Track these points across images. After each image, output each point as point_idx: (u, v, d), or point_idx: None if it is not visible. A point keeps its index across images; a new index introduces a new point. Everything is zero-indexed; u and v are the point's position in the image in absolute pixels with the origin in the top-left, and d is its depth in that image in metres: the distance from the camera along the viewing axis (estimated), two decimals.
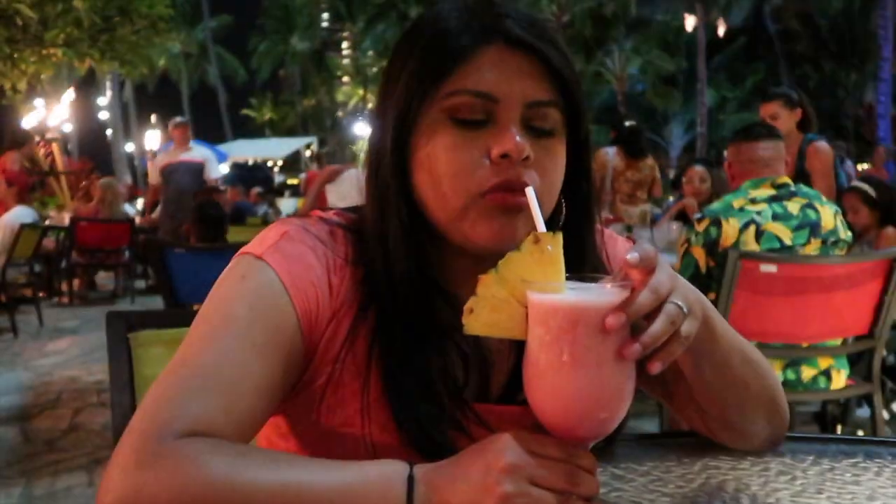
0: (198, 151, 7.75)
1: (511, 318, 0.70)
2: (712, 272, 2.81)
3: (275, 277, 0.81)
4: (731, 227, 2.80)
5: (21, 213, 6.88)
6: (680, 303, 0.69)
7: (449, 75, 0.82)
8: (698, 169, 5.09)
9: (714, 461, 0.90)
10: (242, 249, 0.85)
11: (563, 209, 0.88)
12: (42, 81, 10.84)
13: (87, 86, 24.42)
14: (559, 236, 0.70)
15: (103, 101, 27.04)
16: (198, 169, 7.41)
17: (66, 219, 8.67)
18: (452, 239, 0.85)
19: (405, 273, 0.84)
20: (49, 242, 7.81)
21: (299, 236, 0.86)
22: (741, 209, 2.81)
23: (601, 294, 0.68)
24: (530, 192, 0.77)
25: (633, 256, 0.68)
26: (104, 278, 9.55)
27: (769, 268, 2.76)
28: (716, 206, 2.93)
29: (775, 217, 2.77)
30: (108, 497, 0.67)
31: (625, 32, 23.90)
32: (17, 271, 6.85)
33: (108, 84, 26.31)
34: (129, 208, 10.43)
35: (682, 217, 4.81)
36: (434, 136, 0.83)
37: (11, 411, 4.31)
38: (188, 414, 0.71)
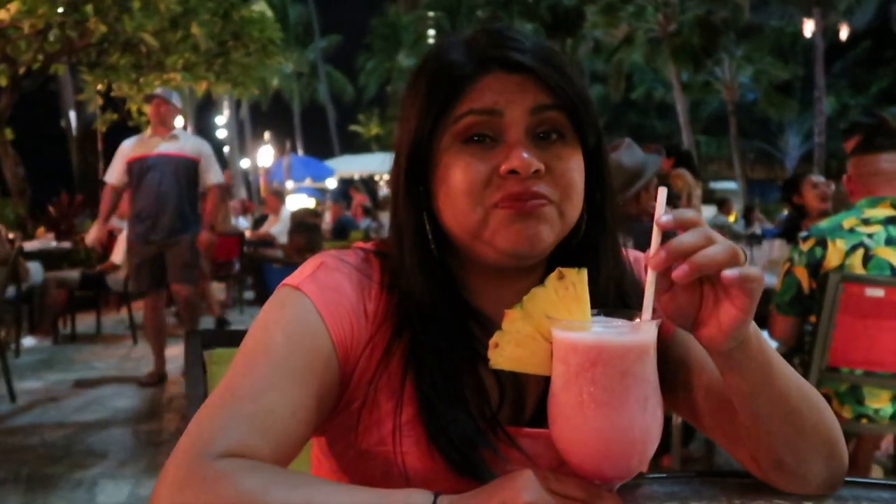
0: (187, 143, 5.38)
1: (535, 354, 0.70)
2: (815, 295, 2.66)
3: (311, 306, 0.85)
4: (837, 249, 2.63)
5: None
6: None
7: (454, 102, 0.86)
8: (815, 178, 4.78)
9: None
10: (284, 281, 0.90)
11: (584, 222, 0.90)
12: None
13: (208, 107, 25.90)
14: (584, 273, 0.70)
15: (221, 119, 28.55)
16: (187, 167, 5.28)
17: None
18: (479, 254, 0.88)
19: (431, 296, 0.87)
20: None
21: (335, 265, 0.90)
22: (851, 230, 2.64)
23: (624, 332, 0.67)
24: (662, 191, 0.74)
25: (666, 218, 0.69)
26: (216, 289, 10.05)
27: (876, 292, 2.58)
28: (824, 224, 2.75)
29: (889, 241, 2.57)
30: None
31: (735, 40, 23.01)
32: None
33: (225, 104, 27.79)
34: (242, 222, 10.95)
35: (791, 233, 4.57)
36: (448, 161, 0.87)
37: (127, 413, 4.61)
38: (228, 437, 0.75)
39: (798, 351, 2.80)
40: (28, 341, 6.73)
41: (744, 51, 23.41)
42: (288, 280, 0.90)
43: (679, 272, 0.67)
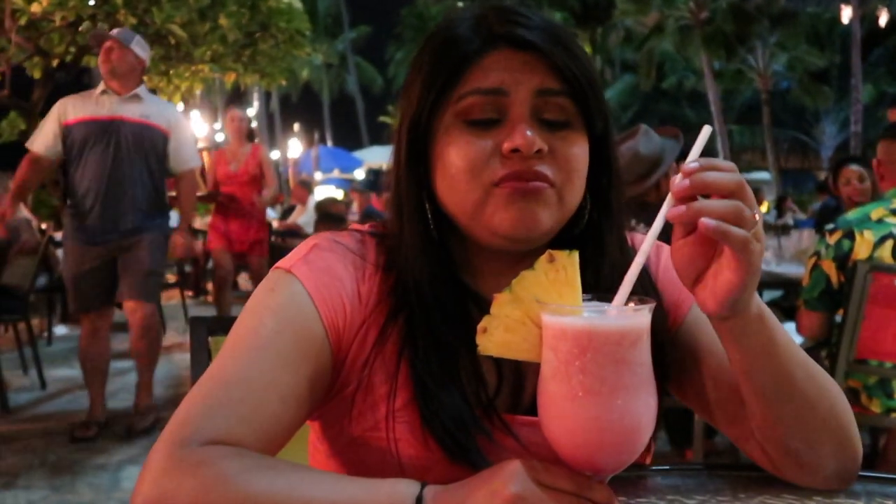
0: (154, 107, 3.89)
1: (525, 340, 0.67)
2: (844, 288, 2.59)
3: (301, 289, 0.84)
4: (864, 241, 2.55)
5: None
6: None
7: (458, 80, 0.84)
8: (855, 168, 4.66)
9: (774, 499, 0.82)
10: (276, 264, 0.88)
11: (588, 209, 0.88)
12: (196, 96, 11.67)
13: (237, 99, 26.12)
14: (575, 256, 0.67)
15: (251, 112, 28.83)
16: (153, 140, 3.81)
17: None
18: (478, 236, 0.86)
19: (430, 277, 0.85)
20: (197, 244, 8.39)
21: (328, 247, 0.88)
22: (879, 221, 2.56)
23: (615, 317, 0.64)
24: (706, 129, 0.72)
25: (691, 164, 0.67)
26: (246, 279, 10.13)
27: None
28: (851, 215, 2.67)
29: None
30: (138, 499, 0.70)
31: (769, 27, 22.54)
32: (168, 271, 7.40)
33: (255, 96, 28.00)
34: (270, 212, 11.02)
35: (823, 222, 4.46)
36: (449, 140, 0.84)
37: (157, 401, 4.67)
38: (213, 424, 0.74)
39: (825, 344, 2.73)
40: (60, 329, 6.86)
41: (778, 38, 22.93)
42: (280, 263, 0.88)
43: (675, 212, 0.68)
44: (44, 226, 7.01)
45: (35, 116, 9.37)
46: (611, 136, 0.90)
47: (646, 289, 0.89)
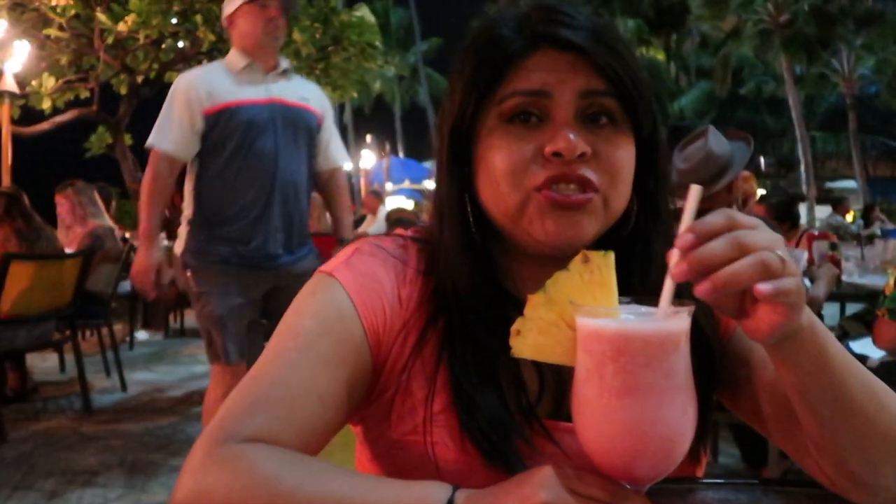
0: (307, 87, 3.00)
1: (559, 343, 0.66)
2: None
3: (342, 292, 0.84)
4: None
5: None
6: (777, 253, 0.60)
7: (501, 81, 0.82)
8: None
9: None
10: (319, 268, 0.89)
11: (634, 213, 0.85)
12: None
13: None
14: (610, 256, 0.65)
15: None
16: (309, 129, 2.89)
17: None
18: (519, 241, 0.84)
19: (471, 281, 0.84)
20: None
21: (370, 251, 0.89)
22: None
23: (651, 320, 0.61)
24: (694, 189, 0.65)
25: (685, 237, 0.60)
26: None
27: None
28: None
29: None
30: (178, 494, 0.72)
31: (854, 29, 21.61)
32: None
33: None
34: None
35: None
36: (491, 141, 0.83)
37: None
38: (252, 423, 0.75)
39: None
40: (141, 335, 7.14)
41: (864, 40, 21.96)
42: (323, 267, 0.89)
43: (701, 289, 0.59)
44: (127, 234, 7.31)
45: (121, 131, 9.82)
46: (659, 137, 0.87)
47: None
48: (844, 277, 3.57)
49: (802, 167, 22.43)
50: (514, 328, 0.67)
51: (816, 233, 4.76)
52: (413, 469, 0.84)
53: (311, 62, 9.72)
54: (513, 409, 0.82)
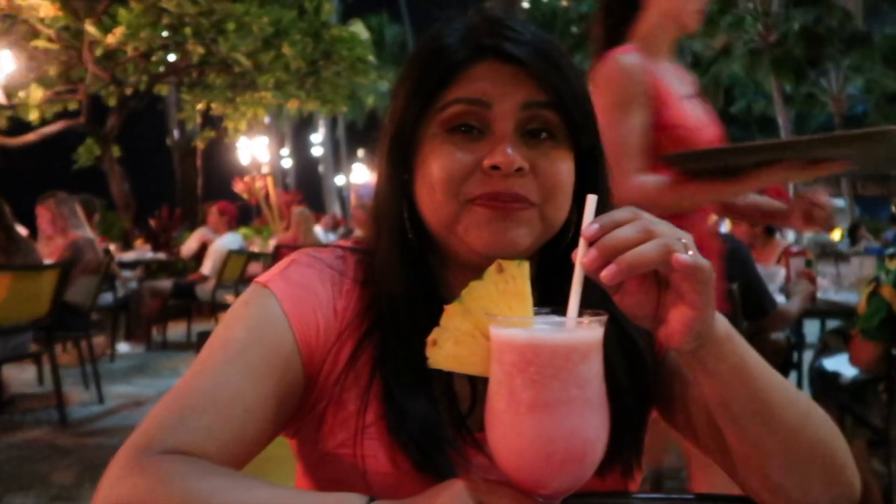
0: None
1: (475, 353, 0.65)
2: None
3: (276, 304, 0.83)
4: None
5: (229, 240, 7.61)
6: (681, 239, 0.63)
7: (444, 88, 0.83)
8: None
9: None
10: (255, 279, 0.88)
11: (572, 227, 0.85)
12: (261, 123, 12.01)
13: (304, 126, 26.79)
14: (525, 266, 0.64)
15: (317, 137, 29.46)
16: None
17: (271, 246, 9.47)
18: (454, 250, 0.85)
19: (406, 289, 0.84)
20: (256, 267, 8.58)
21: (307, 262, 0.88)
22: None
23: (563, 330, 0.61)
24: (591, 199, 0.67)
25: (592, 228, 0.63)
26: None
27: None
28: None
29: None
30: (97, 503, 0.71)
31: (842, 49, 21.81)
32: (227, 292, 7.58)
33: (321, 123, 28.70)
34: (322, 235, 11.20)
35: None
36: (431, 149, 0.83)
37: None
38: (175, 433, 0.74)
39: (882, 377, 2.58)
40: (123, 347, 7.08)
41: (852, 60, 22.17)
42: (259, 278, 0.88)
43: (607, 272, 0.61)
44: (112, 246, 7.28)
45: (109, 143, 9.82)
46: (599, 150, 0.87)
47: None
48: (820, 294, 3.58)
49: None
50: (430, 338, 0.66)
51: (795, 249, 4.78)
52: (344, 482, 0.83)
53: (301, 76, 9.75)
54: (445, 420, 0.81)
